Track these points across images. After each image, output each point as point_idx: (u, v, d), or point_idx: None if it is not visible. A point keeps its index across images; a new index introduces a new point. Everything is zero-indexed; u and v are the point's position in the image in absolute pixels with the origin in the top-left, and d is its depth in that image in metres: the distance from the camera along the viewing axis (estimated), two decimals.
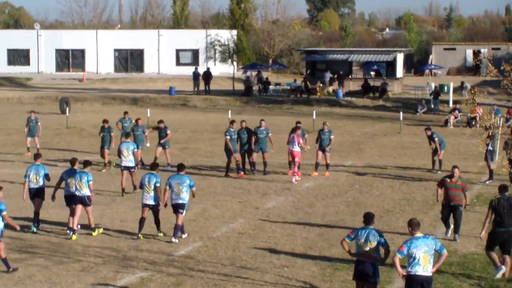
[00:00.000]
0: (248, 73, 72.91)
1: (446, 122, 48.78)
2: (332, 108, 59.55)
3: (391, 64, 70.06)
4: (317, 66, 71.64)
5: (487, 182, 29.22)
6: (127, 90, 72.18)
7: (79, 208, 21.47)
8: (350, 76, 70.65)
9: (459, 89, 66.08)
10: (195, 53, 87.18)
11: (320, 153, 31.03)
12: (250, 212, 24.70)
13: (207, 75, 68.90)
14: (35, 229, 22.02)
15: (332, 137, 31.18)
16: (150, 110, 51.22)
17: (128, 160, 27.37)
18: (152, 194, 21.07)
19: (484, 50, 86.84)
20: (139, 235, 21.22)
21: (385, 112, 57.04)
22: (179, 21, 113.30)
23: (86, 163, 22.14)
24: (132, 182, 27.54)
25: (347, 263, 18.62)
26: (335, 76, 67.42)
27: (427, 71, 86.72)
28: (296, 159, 29.28)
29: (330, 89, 67.20)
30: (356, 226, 21.88)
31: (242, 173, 30.77)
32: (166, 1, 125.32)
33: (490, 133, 29.11)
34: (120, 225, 22.81)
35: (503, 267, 17.73)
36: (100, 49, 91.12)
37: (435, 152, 31.71)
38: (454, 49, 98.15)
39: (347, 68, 70.87)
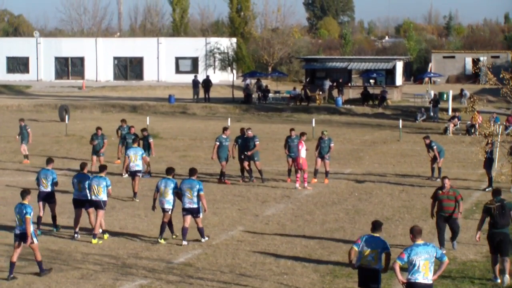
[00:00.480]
0: (248, 81, 72.95)
1: (446, 130, 48.82)
2: (331, 116, 59.58)
3: (391, 72, 70.10)
4: (317, 74, 71.67)
5: (486, 190, 29.20)
6: (127, 98, 72.21)
7: (92, 211, 21.96)
8: (349, 84, 70.70)
9: (458, 97, 66.13)
10: (194, 61, 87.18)
11: (319, 160, 31.06)
12: (249, 220, 24.70)
13: (207, 83, 68.93)
14: (56, 230, 22.82)
15: (332, 145, 31.20)
16: (150, 118, 51.24)
17: (135, 164, 27.96)
18: (168, 198, 21.42)
19: (483, 58, 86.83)
20: (161, 239, 21.61)
21: (385, 120, 57.07)
22: (179, 29, 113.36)
23: (102, 168, 22.54)
24: (133, 188, 27.78)
25: (346, 271, 18.62)
26: (335, 84, 67.48)
27: (426, 79, 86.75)
28: (303, 167, 29.43)
29: (325, 95, 67.18)
30: (356, 233, 21.93)
31: (227, 180, 30.92)
32: (165, 9, 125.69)
33: (490, 141, 29.12)
34: (119, 232, 22.79)
35: (499, 279, 18.08)
36: (99, 57, 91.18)
37: (434, 159, 31.74)
38: (453, 57, 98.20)
39: (347, 76, 70.93)
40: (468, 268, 19.27)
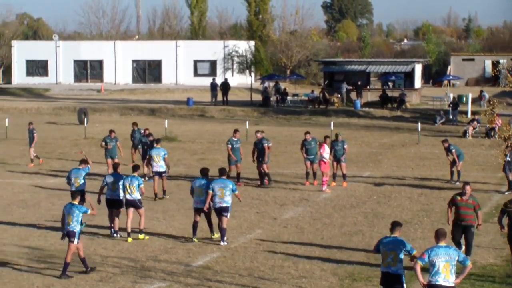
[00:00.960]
0: (266, 84, 72.94)
1: (465, 133, 48.59)
2: (350, 119, 59.48)
3: (409, 75, 69.94)
4: (335, 77, 71.60)
5: (506, 193, 29.05)
6: (145, 101, 72.38)
7: (131, 211, 22.34)
8: (368, 87, 70.55)
9: (477, 99, 65.84)
10: (212, 63, 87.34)
11: (334, 163, 30.97)
12: (267, 223, 24.67)
13: (225, 86, 68.99)
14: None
15: (345, 146, 31.03)
16: (168, 121, 51.30)
17: (159, 165, 28.36)
18: (202, 198, 21.78)
19: (503, 61, 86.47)
20: (194, 239, 21.94)
21: (403, 123, 56.87)
22: (197, 32, 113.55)
23: (135, 168, 23.03)
24: (162, 187, 28.23)
25: (365, 274, 18.57)
26: (353, 87, 67.39)
27: (445, 82, 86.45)
28: (324, 170, 29.61)
29: (344, 97, 67.10)
30: (374, 237, 21.84)
31: (241, 183, 30.96)
32: (183, 12, 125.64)
33: (509, 144, 28.97)
34: (138, 234, 22.80)
35: None
36: (118, 60, 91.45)
37: (453, 163, 31.59)
38: (472, 59, 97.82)
39: (365, 79, 70.78)
40: (488, 272, 19.15)
